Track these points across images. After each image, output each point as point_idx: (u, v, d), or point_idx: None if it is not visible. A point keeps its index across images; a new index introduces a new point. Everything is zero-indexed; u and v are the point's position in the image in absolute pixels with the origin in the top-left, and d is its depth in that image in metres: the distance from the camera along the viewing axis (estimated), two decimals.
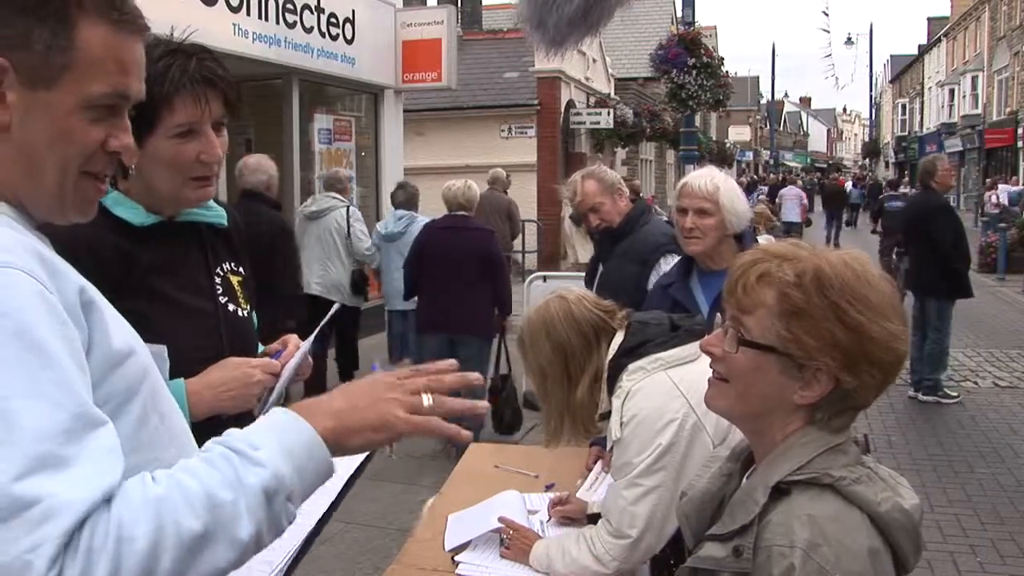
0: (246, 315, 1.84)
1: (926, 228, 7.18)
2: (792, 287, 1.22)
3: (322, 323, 1.86)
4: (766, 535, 1.18)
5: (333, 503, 1.25)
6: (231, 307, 1.79)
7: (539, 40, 2.60)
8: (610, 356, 2.10)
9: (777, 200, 19.93)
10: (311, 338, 1.82)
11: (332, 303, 2.19)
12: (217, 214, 1.81)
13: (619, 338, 2.12)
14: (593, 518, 2.25)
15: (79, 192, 1.05)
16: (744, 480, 1.35)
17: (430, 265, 5.45)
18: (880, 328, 1.20)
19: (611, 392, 2.08)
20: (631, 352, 2.07)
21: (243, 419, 1.79)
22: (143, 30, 1.07)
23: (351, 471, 1.30)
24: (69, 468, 0.85)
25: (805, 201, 20.54)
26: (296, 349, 1.77)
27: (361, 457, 1.30)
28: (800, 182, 29.43)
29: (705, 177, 2.79)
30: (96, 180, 1.06)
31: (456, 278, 5.33)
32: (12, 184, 1.01)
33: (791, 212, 19.77)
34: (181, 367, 1.55)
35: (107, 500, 0.87)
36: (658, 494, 1.97)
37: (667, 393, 2.00)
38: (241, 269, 1.88)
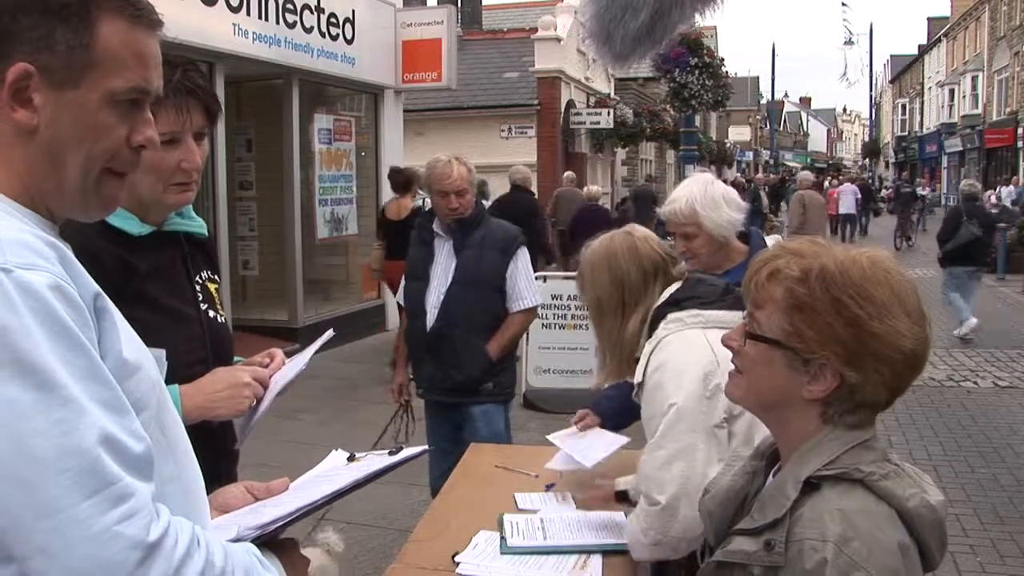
0: (223, 321, 1.93)
1: None
2: (797, 283, 1.25)
3: (315, 345, 1.92)
4: (797, 529, 1.20)
5: (349, 488, 1.28)
6: (211, 313, 1.87)
7: (606, 55, 2.74)
8: (658, 303, 2.12)
9: (836, 195, 22.67)
10: (306, 357, 1.87)
11: None
12: (199, 224, 1.90)
13: (673, 288, 2.14)
14: (621, 495, 2.28)
15: (102, 189, 1.06)
16: (770, 477, 1.37)
17: (584, 231, 9.72)
18: (883, 325, 1.21)
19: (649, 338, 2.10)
20: (677, 303, 2.09)
21: (229, 427, 1.83)
22: (158, 25, 1.08)
23: (380, 465, 1.35)
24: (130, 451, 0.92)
25: (859, 196, 23.26)
26: (281, 363, 1.84)
27: (394, 459, 1.37)
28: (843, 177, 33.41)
29: (682, 199, 2.77)
30: (119, 177, 1.08)
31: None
32: (39, 188, 1.03)
33: (848, 205, 22.28)
34: (173, 371, 1.60)
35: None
36: (687, 459, 1.92)
37: (698, 350, 1.99)
38: (216, 277, 1.95)
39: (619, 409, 2.76)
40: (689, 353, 1.99)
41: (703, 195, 2.76)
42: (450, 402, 3.77)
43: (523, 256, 3.81)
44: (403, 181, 7.78)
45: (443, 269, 3.74)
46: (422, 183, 3.97)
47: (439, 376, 3.75)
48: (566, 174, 13.75)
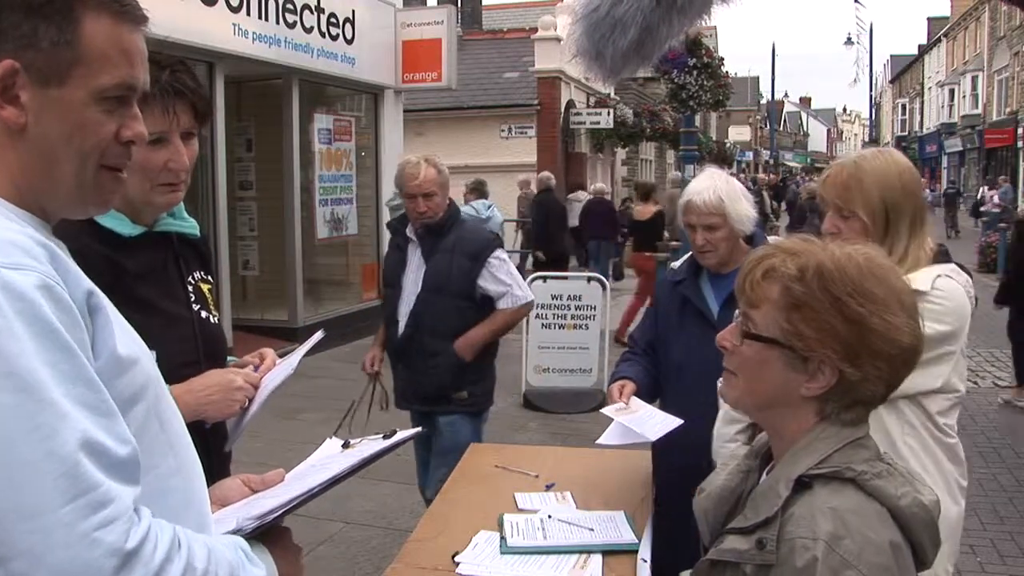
0: (216, 321, 1.92)
1: None
2: (794, 281, 1.25)
3: (305, 346, 1.91)
4: (789, 527, 1.20)
5: (341, 476, 1.28)
6: (203, 314, 1.86)
7: (597, 71, 2.81)
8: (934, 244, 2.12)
9: None
10: (296, 359, 1.87)
11: None
12: (191, 225, 1.89)
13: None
14: None
15: (99, 185, 1.06)
16: (764, 476, 1.37)
17: (594, 218, 12.56)
18: (881, 320, 1.22)
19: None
20: (946, 256, 2.11)
21: (222, 427, 1.83)
22: (143, 21, 1.08)
23: (371, 452, 1.35)
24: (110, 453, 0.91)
25: None
26: (273, 363, 1.84)
27: (384, 444, 1.38)
28: None
29: (707, 190, 2.69)
30: (114, 172, 1.08)
31: (602, 224, 12.46)
32: (33, 187, 1.02)
33: None
34: (164, 373, 1.59)
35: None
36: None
37: (966, 298, 2.03)
38: (210, 277, 1.95)
39: (648, 380, 2.81)
40: (962, 298, 2.03)
41: (727, 185, 2.72)
42: (423, 411, 3.68)
43: (498, 259, 3.61)
44: (644, 191, 11.08)
45: (414, 276, 3.61)
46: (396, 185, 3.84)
47: (411, 385, 3.67)
48: (541, 175, 13.28)
